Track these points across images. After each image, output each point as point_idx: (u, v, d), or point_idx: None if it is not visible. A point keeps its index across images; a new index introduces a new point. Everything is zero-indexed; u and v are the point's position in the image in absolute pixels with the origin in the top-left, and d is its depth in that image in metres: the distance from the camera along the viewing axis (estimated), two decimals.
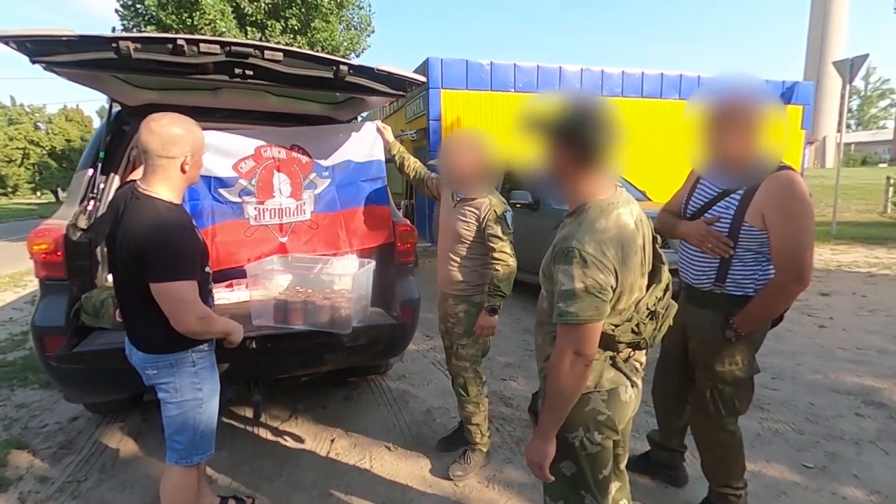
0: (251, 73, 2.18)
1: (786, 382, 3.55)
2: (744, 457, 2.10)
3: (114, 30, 11.42)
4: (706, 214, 1.95)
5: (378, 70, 2.34)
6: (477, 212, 2.34)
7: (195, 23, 9.60)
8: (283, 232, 2.89)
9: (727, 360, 1.95)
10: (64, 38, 1.81)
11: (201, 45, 1.97)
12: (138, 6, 10.32)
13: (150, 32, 10.08)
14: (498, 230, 2.30)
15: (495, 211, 2.32)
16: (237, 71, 2.16)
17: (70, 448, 2.81)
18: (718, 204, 1.91)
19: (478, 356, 2.49)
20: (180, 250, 1.60)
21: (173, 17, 9.75)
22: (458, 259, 2.41)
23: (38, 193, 43.92)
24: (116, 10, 10.93)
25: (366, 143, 2.96)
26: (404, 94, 2.56)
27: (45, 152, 34.75)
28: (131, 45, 1.87)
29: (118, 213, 1.62)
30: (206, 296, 1.75)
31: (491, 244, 2.31)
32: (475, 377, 2.48)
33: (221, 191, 2.68)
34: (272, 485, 2.46)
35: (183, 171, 1.66)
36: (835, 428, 2.92)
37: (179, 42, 1.92)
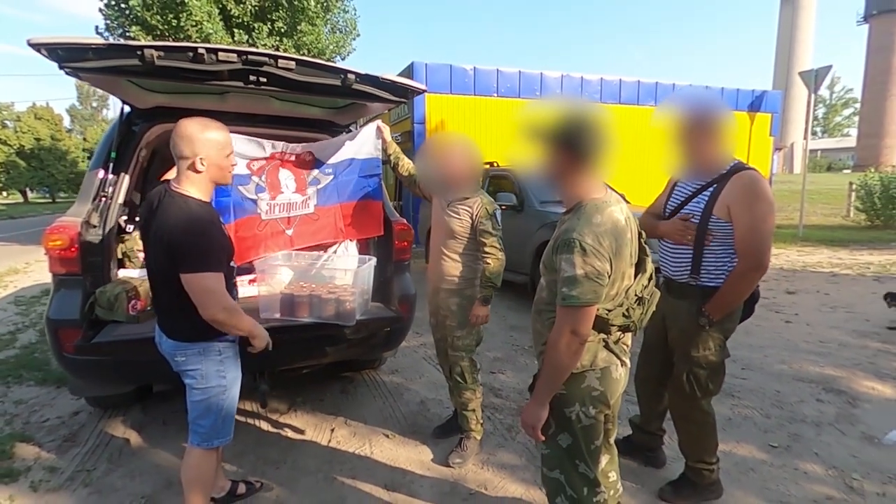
0: (265, 80, 2.31)
1: (754, 372, 3.82)
2: (716, 435, 2.30)
3: (97, 29, 11.26)
4: (682, 212, 2.18)
5: (382, 78, 2.50)
6: (470, 209, 2.51)
7: (181, 24, 9.42)
8: (290, 224, 3.02)
9: (701, 346, 2.16)
10: (93, 46, 1.92)
11: (220, 53, 2.10)
12: (122, 6, 10.12)
13: (136, 33, 9.92)
14: (489, 226, 2.48)
15: (486, 208, 2.50)
16: (252, 78, 2.29)
17: (74, 441, 2.87)
18: (692, 202, 2.14)
19: (472, 346, 2.65)
20: (209, 244, 1.72)
21: (158, 17, 9.58)
22: (452, 254, 2.58)
23: (5, 194, 42.47)
24: (100, 10, 10.74)
25: (368, 142, 3.11)
26: (405, 100, 2.71)
27: (12, 151, 33.65)
28: (155, 53, 1.99)
29: (152, 209, 1.73)
30: (230, 288, 1.87)
31: (483, 239, 2.49)
32: (471, 365, 2.65)
33: (240, 188, 2.80)
34: (278, 471, 2.58)
35: (195, 170, 1.73)
36: (798, 412, 3.18)
37: (200, 51, 2.05)
